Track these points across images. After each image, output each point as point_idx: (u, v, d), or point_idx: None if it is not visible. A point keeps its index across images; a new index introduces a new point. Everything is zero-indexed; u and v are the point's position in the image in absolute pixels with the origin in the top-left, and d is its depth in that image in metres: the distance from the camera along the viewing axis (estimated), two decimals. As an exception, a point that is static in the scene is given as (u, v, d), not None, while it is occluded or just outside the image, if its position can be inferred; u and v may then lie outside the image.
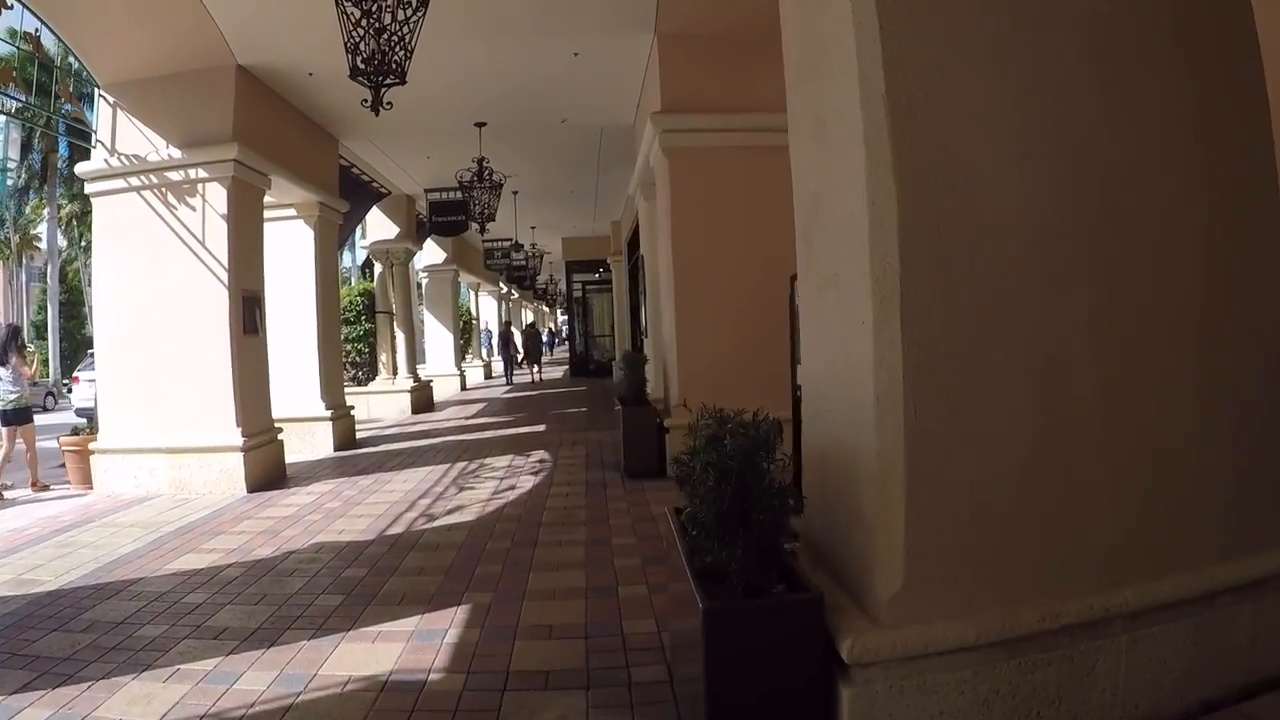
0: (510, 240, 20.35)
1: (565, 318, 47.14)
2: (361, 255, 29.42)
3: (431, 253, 22.39)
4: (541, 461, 10.00)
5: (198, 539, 6.76)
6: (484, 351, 31.54)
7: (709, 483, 2.88)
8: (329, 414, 11.67)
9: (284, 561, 5.98)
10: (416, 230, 17.69)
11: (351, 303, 17.04)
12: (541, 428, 13.52)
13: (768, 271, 8.74)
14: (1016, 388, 2.99)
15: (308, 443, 11.57)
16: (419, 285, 23.85)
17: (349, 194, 14.43)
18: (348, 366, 17.24)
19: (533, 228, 22.28)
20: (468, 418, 15.78)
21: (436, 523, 7.04)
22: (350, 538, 6.61)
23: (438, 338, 23.00)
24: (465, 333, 28.07)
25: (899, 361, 2.82)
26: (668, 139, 8.73)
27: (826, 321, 3.47)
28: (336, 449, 11.65)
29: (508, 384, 25.70)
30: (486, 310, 34.17)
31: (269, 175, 9.75)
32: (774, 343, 8.70)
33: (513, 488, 8.42)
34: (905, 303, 2.82)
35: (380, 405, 16.68)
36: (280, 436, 9.93)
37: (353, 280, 28.84)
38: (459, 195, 12.83)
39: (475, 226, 14.23)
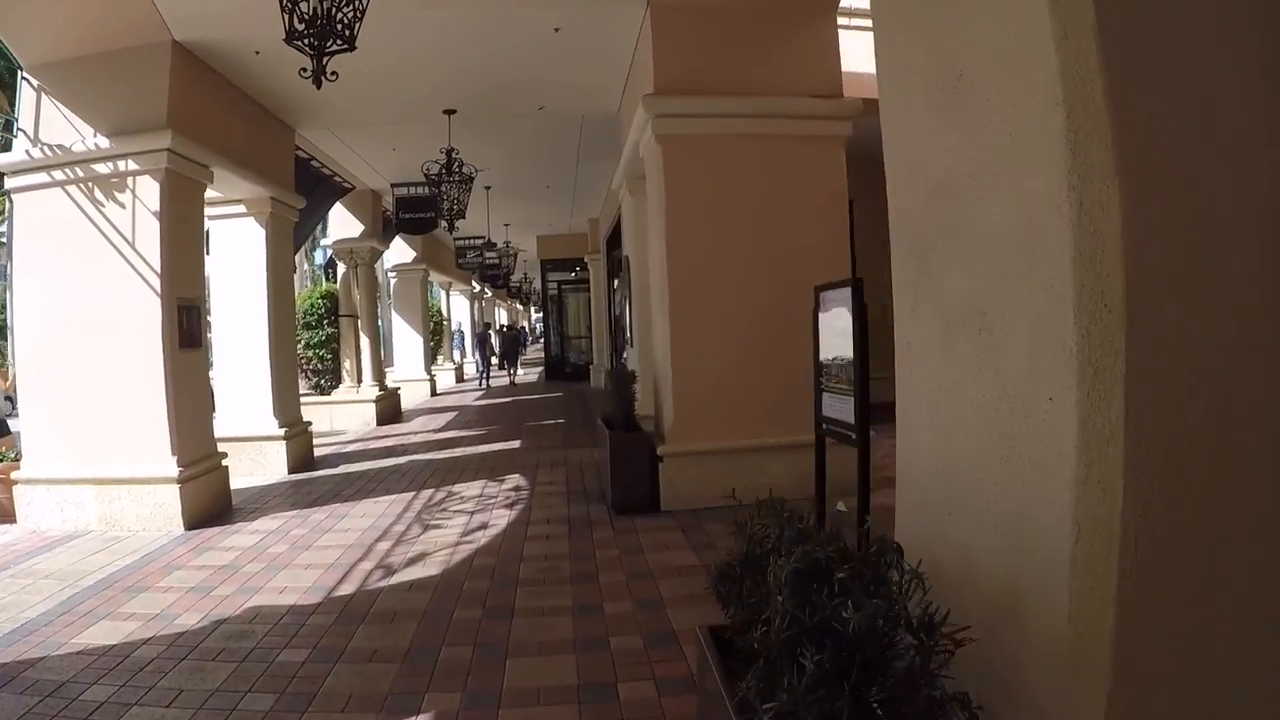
0: (483, 238, 19.19)
1: (539, 314, 46.06)
2: (323, 255, 28.25)
3: (400, 251, 21.31)
4: (516, 489, 8.95)
5: (118, 598, 5.67)
6: (456, 353, 30.38)
7: (805, 678, 1.77)
8: (282, 433, 10.57)
9: (211, 636, 4.92)
10: (383, 228, 16.58)
11: (313, 306, 15.90)
12: (516, 444, 12.46)
13: (776, 277, 7.80)
14: None
15: (259, 464, 10.49)
16: (386, 285, 22.78)
17: (308, 189, 13.34)
18: (308, 374, 16.14)
19: (506, 225, 21.20)
20: (437, 430, 14.69)
21: (395, 578, 5.96)
22: (293, 598, 5.55)
23: (406, 341, 21.90)
24: (436, 334, 26.94)
25: (1118, 481, 1.78)
26: (661, 125, 7.69)
27: (956, 380, 2.43)
28: (291, 471, 10.58)
29: (484, 388, 24.64)
30: (459, 310, 33.01)
31: (210, 167, 8.65)
32: (783, 359, 7.72)
33: (484, 526, 7.37)
34: (1134, 374, 1.76)
35: (343, 416, 15.58)
36: (225, 462, 8.85)
37: (310, 281, 27.74)
38: (427, 191, 11.66)
39: (444, 225, 13.26)
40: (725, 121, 7.70)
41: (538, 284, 33.56)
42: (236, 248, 10.57)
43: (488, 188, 16.01)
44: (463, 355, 31.50)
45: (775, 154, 7.84)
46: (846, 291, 4.98)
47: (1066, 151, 1.82)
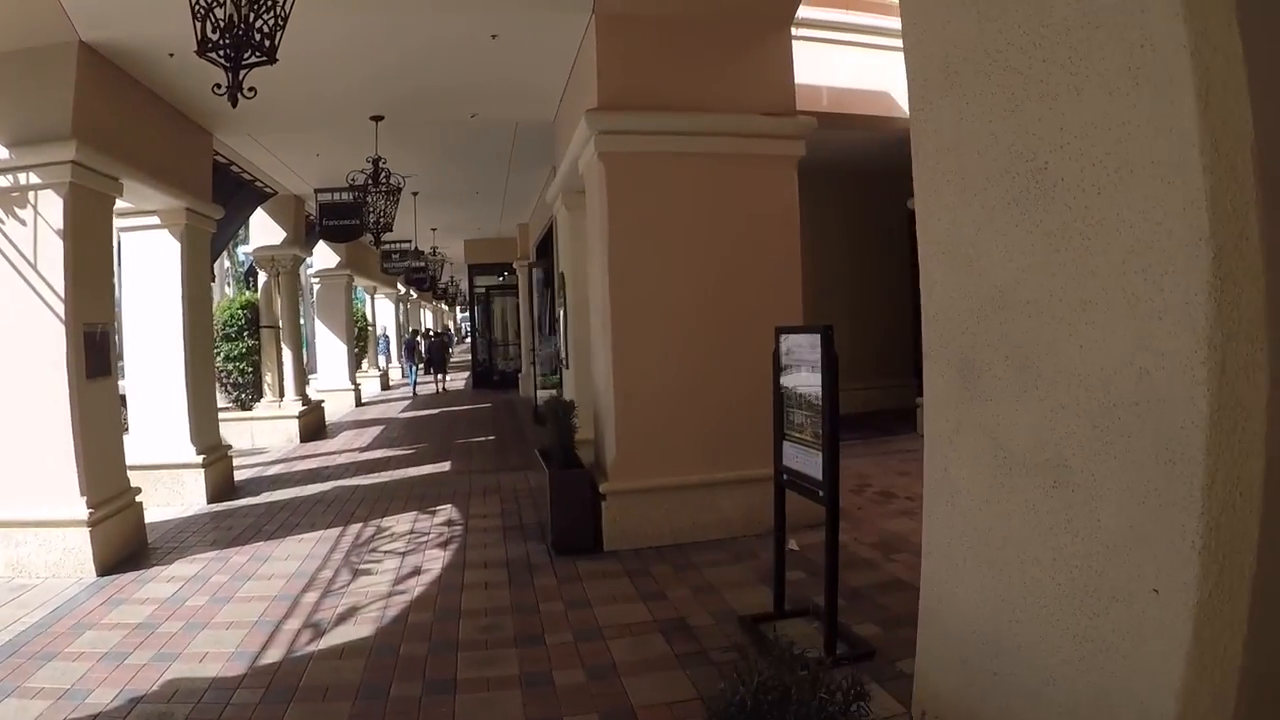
0: (409, 243, 18.59)
1: (465, 314, 45.16)
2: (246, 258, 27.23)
3: (324, 256, 20.66)
4: (449, 524, 8.53)
5: (25, 668, 5.11)
6: (381, 359, 29.65)
7: None
8: (200, 460, 9.98)
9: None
10: (307, 234, 15.97)
11: (233, 316, 15.20)
12: (446, 466, 12.03)
13: (726, 304, 7.52)
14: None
15: (176, 494, 9.91)
16: (309, 292, 22.09)
17: (227, 195, 12.76)
18: (228, 388, 15.45)
19: (433, 229, 20.63)
20: (363, 449, 14.13)
21: (325, 640, 5.51)
22: (216, 666, 5.09)
23: (330, 349, 21.21)
24: (361, 340, 26.22)
25: (1231, 695, 1.48)
26: (605, 142, 7.33)
27: (1015, 532, 2.08)
28: (211, 500, 10.00)
29: (413, 395, 24.13)
30: (384, 314, 32.22)
31: (120, 179, 8.07)
32: (734, 390, 7.45)
33: (417, 571, 6.94)
34: (1265, 575, 1.43)
35: (265, 433, 14.94)
36: (140, 498, 8.27)
37: (230, 290, 26.87)
38: (352, 198, 11.12)
39: (369, 239, 12.78)
40: (673, 139, 7.40)
41: (464, 285, 32.97)
42: (149, 262, 9.95)
43: (415, 194, 15.50)
44: (388, 361, 30.74)
45: (725, 174, 7.57)
46: (814, 338, 4.71)
47: (1209, 301, 1.50)
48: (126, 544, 7.79)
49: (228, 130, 10.64)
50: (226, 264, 29.19)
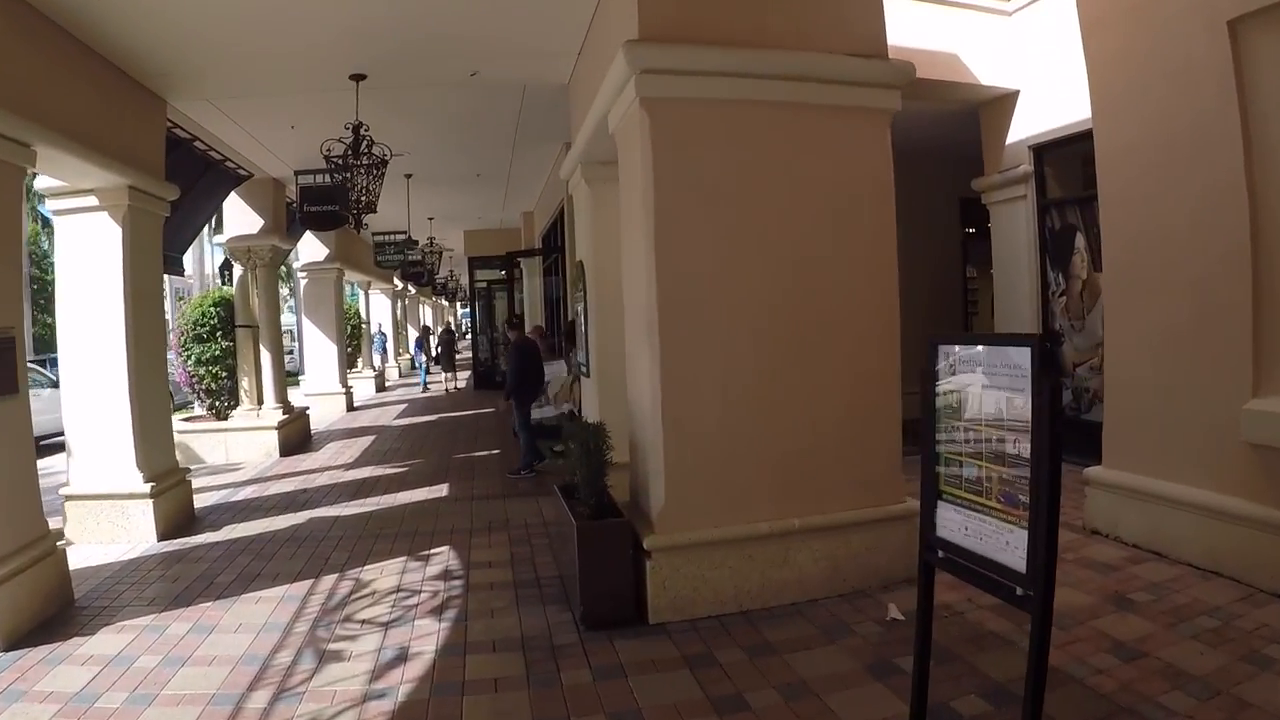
0: (404, 234, 16.82)
1: (465, 310, 43.33)
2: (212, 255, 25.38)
3: (311, 248, 18.99)
4: (446, 576, 6.81)
5: None
6: (376, 358, 27.96)
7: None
8: (149, 489, 8.30)
9: None
10: (288, 223, 14.26)
11: (204, 315, 13.51)
12: (444, 489, 10.31)
13: (802, 297, 5.73)
14: None
15: (120, 528, 8.25)
16: (294, 287, 20.40)
17: (193, 176, 11.18)
18: (201, 395, 13.79)
19: (430, 219, 18.97)
20: (349, 464, 12.42)
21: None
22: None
23: (319, 349, 19.51)
24: (354, 338, 24.52)
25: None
26: (649, 84, 5.57)
27: None
28: (163, 536, 8.34)
29: (423, 388, 23.56)
30: (379, 311, 30.49)
31: (33, 146, 6.40)
32: (812, 408, 5.63)
33: (403, 657, 5.19)
34: None
35: (241, 446, 13.24)
36: (62, 543, 6.62)
37: (189, 288, 25.22)
38: (334, 179, 9.33)
39: (350, 223, 11.12)
40: (737, 84, 5.67)
41: (464, 280, 31.24)
42: (86, 251, 8.25)
43: (408, 176, 13.83)
44: (384, 360, 29.04)
45: (803, 130, 5.88)
46: (1018, 354, 3.02)
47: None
48: (43, 605, 6.12)
49: (183, 95, 8.95)
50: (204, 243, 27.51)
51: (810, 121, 5.87)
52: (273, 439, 13.26)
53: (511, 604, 6.03)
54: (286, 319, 28.42)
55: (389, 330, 30.20)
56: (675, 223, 5.59)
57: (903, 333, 6.22)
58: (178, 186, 9.20)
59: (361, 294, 26.29)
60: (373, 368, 25.94)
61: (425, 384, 25.81)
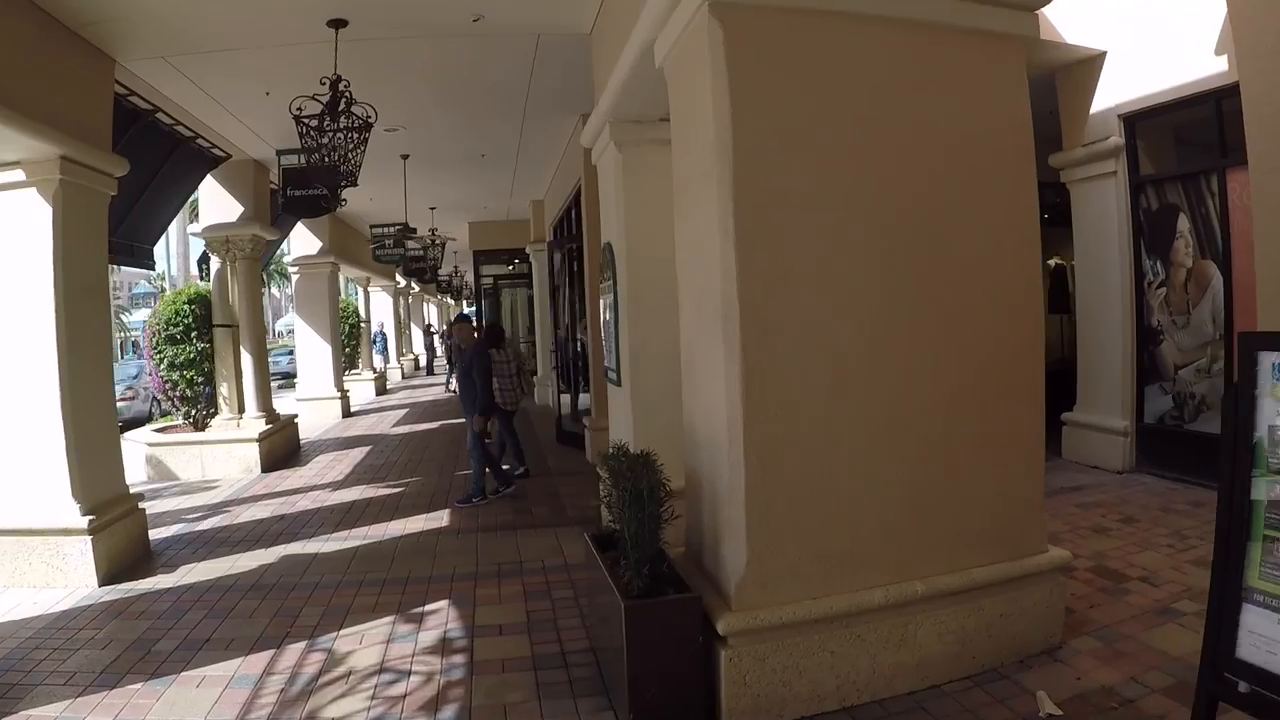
0: (402, 224, 15.24)
1: (471, 310, 41.82)
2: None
3: (304, 241, 17.50)
4: (446, 651, 5.24)
5: None
6: (378, 359, 26.51)
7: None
8: (88, 522, 6.81)
9: None
10: (272, 210, 12.76)
11: (178, 314, 12.05)
12: (443, 517, 8.74)
13: (926, 285, 4.15)
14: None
15: (56, 570, 6.82)
16: (282, 281, 18.92)
17: (158, 155, 9.91)
18: (175, 403, 12.31)
19: (432, 209, 17.46)
20: (337, 484, 10.86)
21: None
22: None
23: (313, 350, 17.98)
24: (352, 339, 23.04)
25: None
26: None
27: None
28: (106, 580, 6.87)
29: (446, 389, 22.60)
30: (380, 310, 29.01)
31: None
32: (940, 437, 4.02)
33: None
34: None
35: (218, 461, 11.76)
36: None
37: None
38: (315, 158, 7.69)
39: (328, 200, 9.70)
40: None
41: (470, 278, 29.68)
42: (11, 235, 6.82)
43: (405, 157, 12.34)
44: (385, 361, 27.58)
45: (921, 56, 4.36)
46: None
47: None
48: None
49: (132, 50, 7.49)
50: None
51: (931, 46, 4.35)
52: (253, 453, 11.76)
53: (531, 695, 4.47)
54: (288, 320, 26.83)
55: (391, 331, 28.65)
56: (760, 174, 4.05)
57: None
58: (126, 160, 7.72)
59: (361, 291, 24.75)
60: (373, 369, 24.41)
61: (449, 383, 23.81)
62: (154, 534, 8.19)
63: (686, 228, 4.79)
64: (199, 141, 10.82)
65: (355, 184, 7.63)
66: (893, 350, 4.23)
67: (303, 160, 9.81)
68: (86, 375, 7.09)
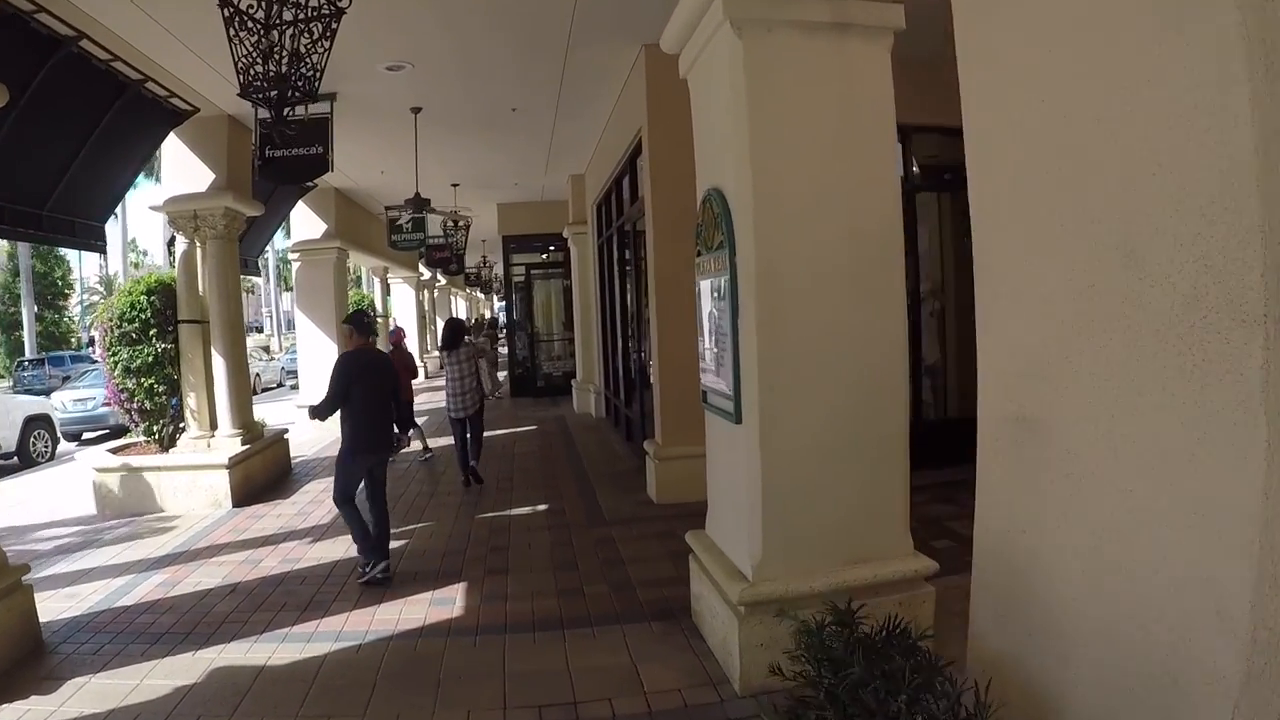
0: (417, 196, 12.47)
1: (502, 304, 39.15)
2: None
3: (306, 223, 15.07)
4: None
5: None
6: (397, 359, 23.98)
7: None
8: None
9: None
10: (253, 179, 10.25)
11: (134, 306, 9.63)
12: (456, 597, 6.08)
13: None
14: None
15: None
16: (282, 270, 16.54)
17: (96, 104, 7.97)
18: (134, 416, 9.89)
19: (454, 186, 14.93)
20: (322, 530, 8.19)
21: None
22: None
23: (315, 350, 15.51)
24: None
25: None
26: None
27: None
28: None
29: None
30: (402, 304, 26.53)
31: None
32: None
33: None
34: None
35: (180, 491, 9.26)
36: None
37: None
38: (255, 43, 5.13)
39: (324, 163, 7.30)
40: None
41: (500, 269, 27.08)
42: None
43: (416, 111, 9.81)
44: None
45: None
46: None
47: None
48: None
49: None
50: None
51: None
52: (221, 482, 9.23)
53: None
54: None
55: (412, 328, 25.95)
56: None
57: None
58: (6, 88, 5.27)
59: (378, 283, 22.18)
60: (391, 371, 21.86)
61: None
62: (62, 611, 5.94)
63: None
64: (150, 87, 8.38)
65: (314, 96, 5.04)
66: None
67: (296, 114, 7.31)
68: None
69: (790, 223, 4.02)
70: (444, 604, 5.90)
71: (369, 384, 6.63)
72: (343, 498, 6.57)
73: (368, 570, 6.44)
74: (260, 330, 55.26)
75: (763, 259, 4.02)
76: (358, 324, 7.11)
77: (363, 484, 6.73)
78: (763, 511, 4.04)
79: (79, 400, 18.31)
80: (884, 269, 4.22)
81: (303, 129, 8.96)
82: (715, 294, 4.54)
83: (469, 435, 10.07)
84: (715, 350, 4.61)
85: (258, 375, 25.98)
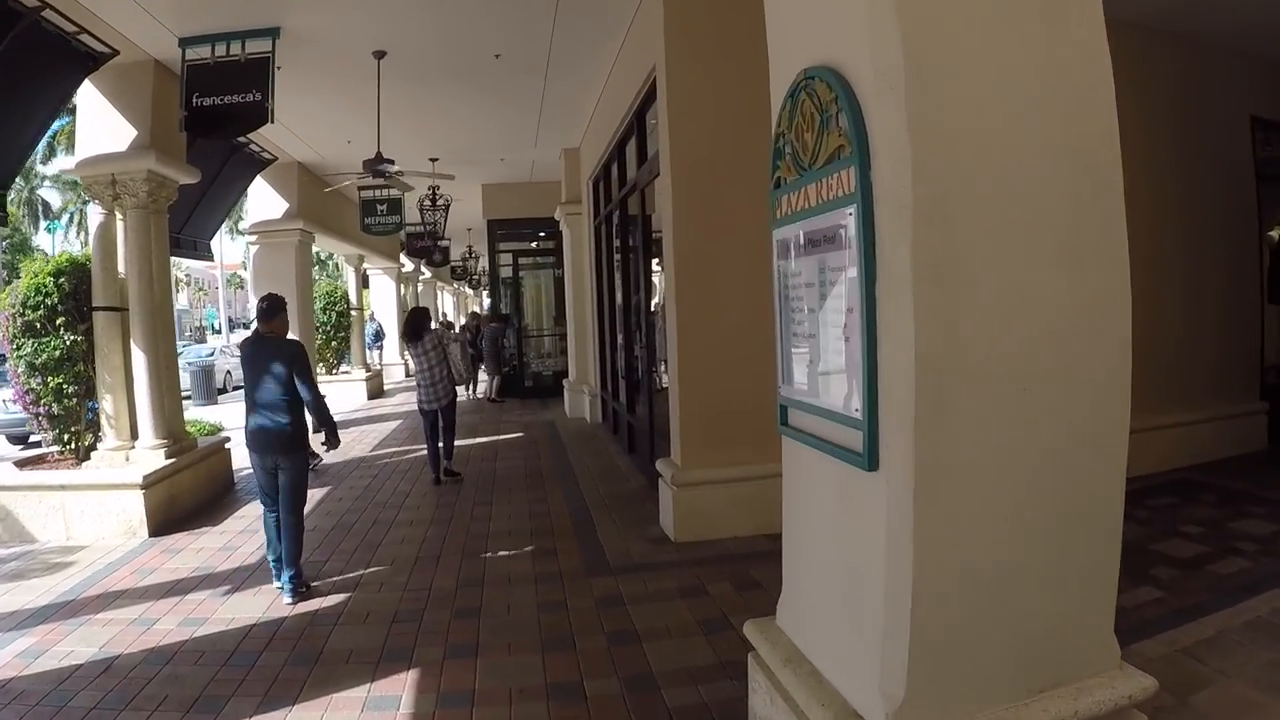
0: (374, 156, 10.44)
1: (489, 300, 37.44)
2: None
3: (265, 201, 13.38)
4: None
5: None
6: (373, 356, 22.32)
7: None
8: None
9: None
10: (186, 137, 8.51)
11: (39, 291, 7.93)
12: (399, 716, 4.17)
13: None
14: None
15: None
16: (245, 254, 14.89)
17: None
18: (44, 423, 8.21)
19: (433, 160, 13.21)
20: (248, 571, 6.50)
21: None
22: None
23: (276, 346, 13.75)
24: (339, 330, 18.89)
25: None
26: None
27: None
28: None
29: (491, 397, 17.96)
30: (381, 297, 24.74)
31: None
32: None
33: None
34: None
35: (88, 515, 7.56)
36: None
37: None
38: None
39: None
40: None
41: (485, 263, 25.24)
42: None
43: (380, 56, 8.15)
44: (382, 360, 23.41)
45: None
46: None
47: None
48: None
49: None
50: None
51: None
52: (136, 506, 7.53)
53: None
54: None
55: (391, 323, 24.06)
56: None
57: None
58: None
59: (353, 273, 20.38)
60: (365, 368, 20.05)
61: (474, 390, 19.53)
62: None
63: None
64: (50, 18, 6.70)
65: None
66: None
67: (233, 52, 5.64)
68: None
69: (971, 121, 2.34)
70: (383, 708, 4.15)
71: (248, 372, 5.98)
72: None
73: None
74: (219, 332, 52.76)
75: (926, 176, 2.30)
76: (258, 310, 6.17)
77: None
78: (912, 623, 2.34)
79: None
80: (1105, 220, 2.53)
81: (238, 70, 7.32)
82: (816, 244, 2.76)
83: (440, 428, 9.45)
84: (813, 340, 2.83)
85: (228, 373, 24.30)
